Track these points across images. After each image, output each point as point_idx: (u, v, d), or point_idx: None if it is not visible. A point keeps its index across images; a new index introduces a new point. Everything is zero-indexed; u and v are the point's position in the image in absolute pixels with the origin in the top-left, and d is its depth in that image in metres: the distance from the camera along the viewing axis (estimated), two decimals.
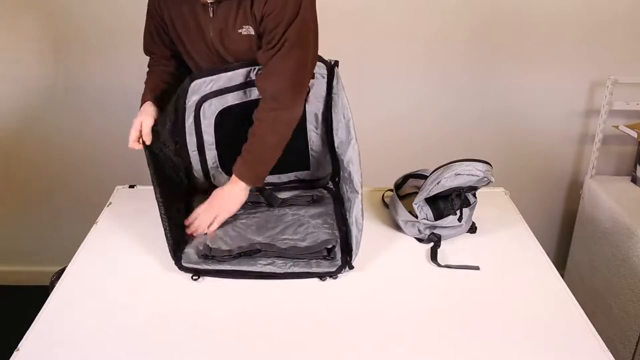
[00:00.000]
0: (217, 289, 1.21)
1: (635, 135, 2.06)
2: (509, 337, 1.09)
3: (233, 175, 1.41)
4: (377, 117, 2.22)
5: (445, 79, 2.18)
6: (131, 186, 1.62)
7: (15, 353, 1.03)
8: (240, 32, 1.35)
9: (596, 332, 1.10)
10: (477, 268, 1.29)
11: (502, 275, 1.27)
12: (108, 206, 1.53)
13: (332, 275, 1.25)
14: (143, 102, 1.42)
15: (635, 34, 2.10)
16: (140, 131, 1.34)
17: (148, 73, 1.52)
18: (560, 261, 2.42)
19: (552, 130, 2.28)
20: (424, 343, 1.07)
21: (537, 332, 1.10)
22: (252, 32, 1.35)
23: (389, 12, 2.05)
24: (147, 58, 1.53)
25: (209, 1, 1.32)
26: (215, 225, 1.39)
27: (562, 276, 1.30)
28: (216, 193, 1.43)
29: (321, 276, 1.25)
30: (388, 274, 1.27)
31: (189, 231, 1.38)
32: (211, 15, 1.35)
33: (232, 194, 1.41)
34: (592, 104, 2.22)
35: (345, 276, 1.26)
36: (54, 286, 1.22)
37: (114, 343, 1.06)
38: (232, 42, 1.37)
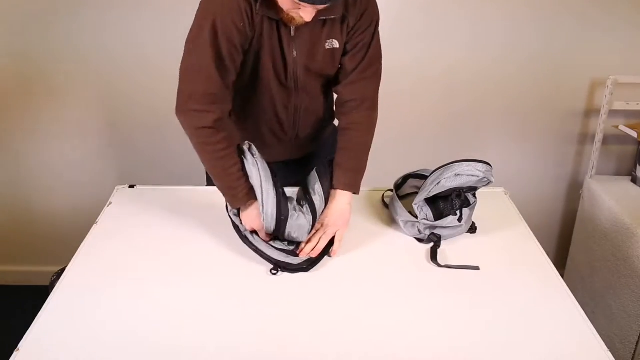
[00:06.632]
0: (218, 291, 1.21)
1: (635, 135, 2.06)
2: (509, 337, 1.09)
3: (335, 191, 1.37)
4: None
5: (445, 79, 2.18)
6: (131, 186, 1.62)
7: (15, 353, 1.03)
8: (326, 47, 1.33)
9: (596, 332, 1.10)
10: (477, 268, 1.29)
11: (502, 275, 1.27)
12: (108, 206, 1.52)
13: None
14: (238, 198, 1.28)
15: (636, 34, 2.10)
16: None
17: (220, 149, 1.26)
18: (560, 261, 2.42)
19: (552, 130, 2.28)
20: (423, 343, 1.07)
21: (537, 332, 1.10)
22: (337, 45, 1.33)
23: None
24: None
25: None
26: (337, 244, 1.33)
27: (562, 276, 1.30)
28: (326, 217, 1.34)
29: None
30: (388, 274, 1.27)
31: (306, 254, 1.28)
32: (292, 34, 1.29)
33: (343, 210, 1.36)
34: (592, 104, 2.23)
35: (344, 275, 1.26)
36: (54, 286, 1.22)
37: (114, 343, 1.06)
38: (318, 58, 1.34)
